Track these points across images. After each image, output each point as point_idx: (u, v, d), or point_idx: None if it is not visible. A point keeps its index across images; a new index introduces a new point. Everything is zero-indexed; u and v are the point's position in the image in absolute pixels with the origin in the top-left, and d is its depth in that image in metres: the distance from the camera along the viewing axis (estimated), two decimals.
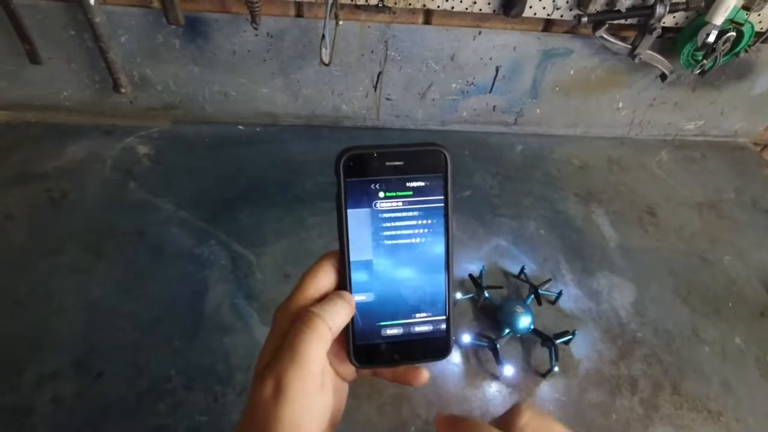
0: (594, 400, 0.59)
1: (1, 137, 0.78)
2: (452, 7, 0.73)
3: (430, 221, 0.32)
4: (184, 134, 0.84)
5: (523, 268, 0.70)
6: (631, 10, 0.74)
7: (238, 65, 0.79)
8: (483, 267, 0.69)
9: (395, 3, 0.72)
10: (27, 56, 0.73)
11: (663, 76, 0.84)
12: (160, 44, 0.75)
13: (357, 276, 0.32)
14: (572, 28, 0.81)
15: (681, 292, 0.73)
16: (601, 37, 0.77)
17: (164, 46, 0.75)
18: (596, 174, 0.91)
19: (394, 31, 0.77)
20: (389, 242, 0.32)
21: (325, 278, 0.32)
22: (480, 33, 0.79)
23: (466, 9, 0.74)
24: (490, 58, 0.83)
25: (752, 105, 0.97)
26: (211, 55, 0.77)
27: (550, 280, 0.69)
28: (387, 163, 0.31)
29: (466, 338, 0.61)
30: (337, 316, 0.30)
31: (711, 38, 0.75)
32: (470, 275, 0.68)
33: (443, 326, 0.34)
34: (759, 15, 0.77)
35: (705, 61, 0.79)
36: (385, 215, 0.32)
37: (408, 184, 0.32)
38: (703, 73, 0.82)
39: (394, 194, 0.32)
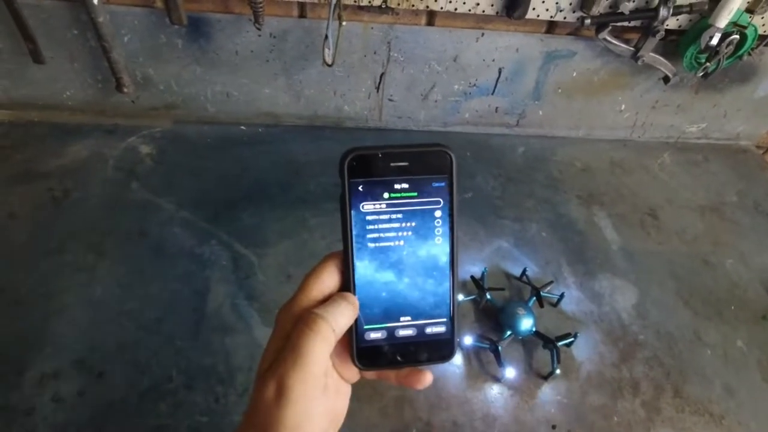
0: (595, 402, 0.59)
1: (4, 136, 0.78)
2: (455, 9, 0.73)
3: (435, 223, 0.32)
4: (186, 134, 0.84)
5: (524, 270, 0.69)
6: (635, 13, 0.74)
7: (240, 65, 0.79)
8: (485, 269, 0.69)
9: (398, 4, 0.72)
10: (30, 55, 0.73)
11: (666, 79, 0.84)
12: (163, 44, 0.75)
13: (360, 277, 0.32)
14: (575, 30, 0.81)
15: (683, 295, 0.72)
16: (605, 39, 0.77)
17: (167, 46, 0.76)
18: (598, 176, 0.90)
19: (397, 32, 0.77)
20: (393, 243, 0.32)
21: (328, 279, 0.32)
22: (483, 34, 0.79)
23: (469, 10, 0.74)
24: (493, 60, 0.83)
25: (755, 108, 0.97)
26: (213, 56, 0.77)
27: (551, 282, 0.69)
28: (392, 164, 0.31)
29: (468, 340, 0.61)
30: (341, 318, 0.30)
31: (714, 41, 0.75)
32: (472, 277, 0.68)
33: (447, 328, 0.33)
34: (762, 18, 0.77)
35: (708, 64, 0.79)
36: (390, 216, 0.32)
37: (413, 185, 0.32)
38: (706, 75, 0.82)
39: (398, 195, 0.32)
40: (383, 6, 0.72)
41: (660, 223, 0.83)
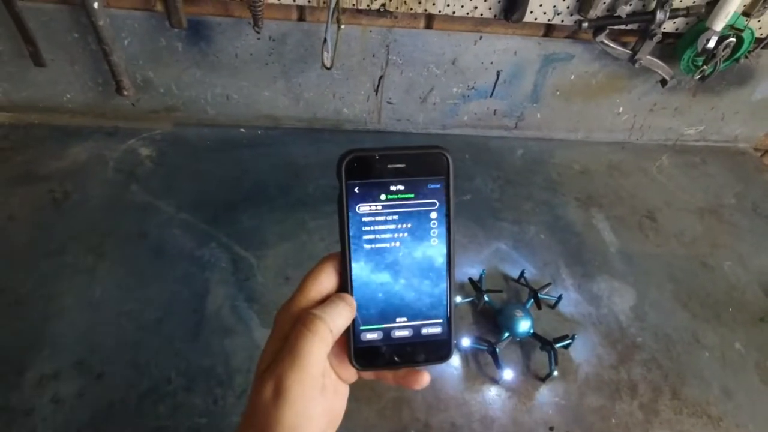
0: (593, 404, 0.59)
1: (4, 138, 0.79)
2: (453, 12, 0.74)
3: (432, 224, 0.33)
4: (186, 137, 0.85)
5: (523, 272, 0.70)
6: (632, 16, 0.74)
7: (240, 68, 0.80)
8: (483, 271, 0.69)
9: (397, 8, 0.73)
10: (31, 58, 0.74)
11: (663, 82, 0.84)
12: (163, 47, 0.76)
13: (358, 278, 0.32)
14: (573, 33, 0.82)
15: (681, 297, 0.73)
16: (602, 42, 0.77)
17: (167, 49, 0.76)
18: (597, 178, 0.91)
19: (395, 35, 0.77)
20: (390, 245, 0.32)
21: (326, 280, 0.32)
22: (481, 38, 0.79)
23: (468, 14, 0.74)
24: (491, 63, 0.83)
25: (753, 110, 0.97)
26: (213, 59, 0.78)
27: (550, 284, 0.69)
28: (389, 166, 0.31)
29: (466, 342, 0.61)
30: (339, 319, 0.30)
31: (711, 44, 0.75)
32: (470, 279, 0.68)
33: (444, 329, 0.34)
34: (759, 21, 0.78)
35: (705, 67, 0.80)
36: (387, 218, 0.32)
37: (410, 187, 0.32)
38: (703, 78, 0.82)
39: (396, 197, 0.32)
40: (382, 9, 0.72)
41: (658, 226, 0.83)
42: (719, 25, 0.72)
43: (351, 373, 0.33)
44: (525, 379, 0.60)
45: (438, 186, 0.32)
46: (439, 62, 0.82)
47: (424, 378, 0.33)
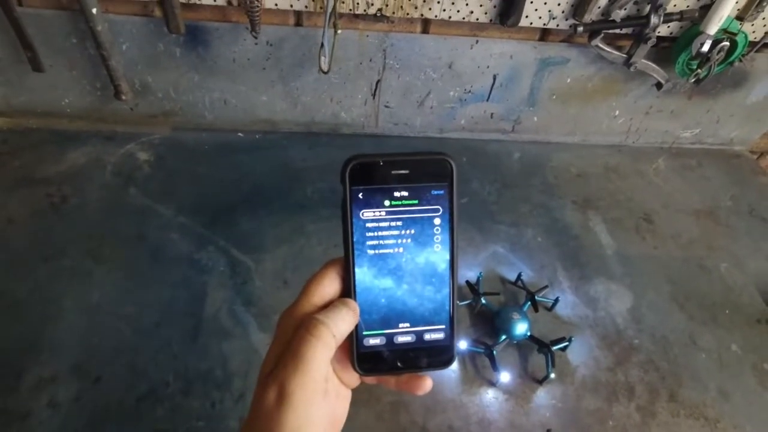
0: (591, 406, 0.59)
1: (3, 143, 0.79)
2: (449, 17, 0.74)
3: (435, 230, 0.33)
4: (184, 141, 0.85)
5: (520, 275, 0.70)
6: (626, 20, 0.75)
7: (238, 73, 0.80)
8: (480, 273, 0.69)
9: (393, 13, 0.73)
10: (29, 64, 0.74)
11: (659, 85, 0.85)
12: (161, 52, 0.76)
13: (361, 283, 0.32)
14: (568, 38, 0.82)
15: (678, 299, 0.73)
16: (597, 46, 0.78)
17: (165, 54, 0.76)
18: (593, 181, 0.91)
19: (392, 39, 0.78)
20: (394, 251, 0.32)
21: (329, 285, 0.32)
22: (477, 42, 0.80)
23: (464, 18, 0.75)
24: (488, 67, 0.84)
25: (748, 113, 0.98)
26: (211, 63, 0.78)
27: (547, 286, 0.70)
28: (393, 172, 0.31)
29: (463, 344, 0.61)
30: (342, 324, 0.30)
31: (705, 48, 0.76)
32: (467, 281, 0.68)
33: (447, 335, 0.34)
34: (752, 25, 0.78)
35: (700, 70, 0.80)
36: (390, 224, 0.32)
37: (413, 193, 0.32)
38: (698, 81, 0.82)
39: (399, 203, 0.32)
40: (378, 14, 0.73)
41: (655, 228, 0.83)
42: (713, 29, 0.73)
43: (353, 378, 0.33)
44: (522, 382, 0.60)
45: (441, 192, 0.32)
46: (435, 66, 0.82)
47: (427, 383, 0.33)
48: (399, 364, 0.33)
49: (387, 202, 0.32)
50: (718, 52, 0.77)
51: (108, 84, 0.76)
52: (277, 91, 0.83)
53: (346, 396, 0.33)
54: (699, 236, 0.83)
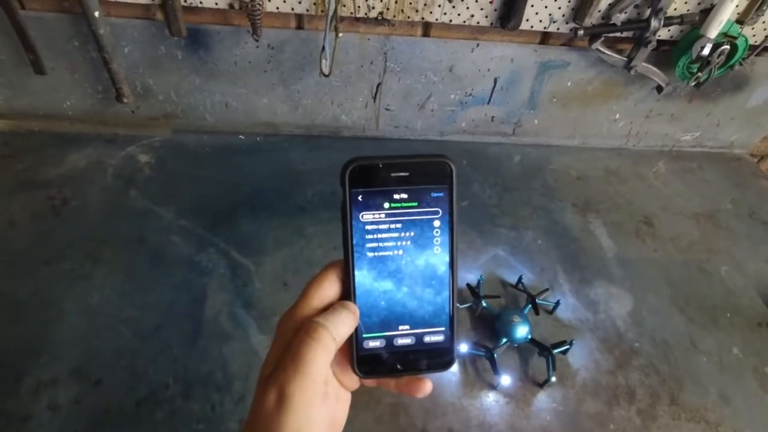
0: (591, 410, 0.59)
1: (4, 145, 0.79)
2: (450, 21, 0.75)
3: (434, 232, 0.33)
4: (185, 143, 0.85)
5: (520, 278, 0.70)
6: (627, 24, 0.75)
7: (239, 76, 0.80)
8: (481, 276, 0.69)
9: (394, 16, 0.73)
10: (31, 66, 0.74)
11: (659, 88, 0.85)
12: (163, 55, 0.76)
13: (360, 286, 0.32)
14: (569, 41, 0.83)
15: (678, 303, 0.73)
16: (598, 49, 0.78)
17: (166, 57, 0.77)
18: (594, 184, 0.91)
19: (393, 43, 0.78)
20: (393, 253, 0.32)
21: (329, 288, 0.32)
22: (478, 45, 0.80)
23: (464, 22, 0.75)
24: (489, 70, 0.84)
25: (748, 117, 0.98)
26: (212, 66, 0.78)
27: (547, 289, 0.69)
28: (392, 174, 0.31)
29: (464, 348, 0.61)
30: (342, 327, 0.30)
31: (705, 51, 0.76)
32: (468, 284, 0.68)
33: (447, 337, 0.34)
34: (752, 29, 0.79)
35: (700, 74, 0.80)
36: (390, 226, 0.32)
37: (413, 195, 0.32)
38: (698, 85, 0.83)
39: (399, 205, 0.32)
40: (379, 18, 0.73)
41: (655, 231, 0.83)
42: (713, 32, 0.73)
43: (353, 381, 0.33)
44: (523, 385, 0.60)
45: (441, 194, 0.32)
46: (436, 69, 0.83)
47: (427, 386, 0.33)
48: (399, 366, 0.33)
49: (387, 205, 0.32)
50: (719, 55, 0.77)
51: (109, 87, 0.77)
52: (278, 93, 0.84)
53: (346, 399, 0.33)
54: (699, 239, 0.83)
